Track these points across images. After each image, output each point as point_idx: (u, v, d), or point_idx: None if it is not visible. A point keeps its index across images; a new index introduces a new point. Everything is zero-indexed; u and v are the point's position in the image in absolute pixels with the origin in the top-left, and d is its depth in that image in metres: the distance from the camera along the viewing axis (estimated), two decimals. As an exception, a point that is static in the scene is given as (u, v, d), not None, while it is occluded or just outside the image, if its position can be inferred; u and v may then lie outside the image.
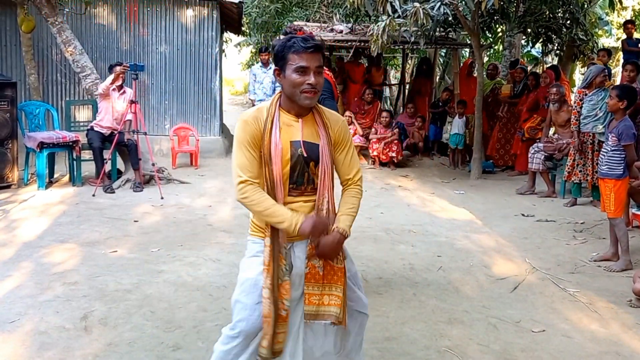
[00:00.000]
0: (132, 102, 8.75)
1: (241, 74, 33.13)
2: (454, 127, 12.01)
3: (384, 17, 8.67)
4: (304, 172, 2.84)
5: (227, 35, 20.89)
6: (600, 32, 16.91)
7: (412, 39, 10.13)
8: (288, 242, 2.85)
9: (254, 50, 24.50)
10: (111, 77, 8.71)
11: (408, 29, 8.87)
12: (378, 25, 8.63)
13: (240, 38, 22.76)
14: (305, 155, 2.82)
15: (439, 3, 8.35)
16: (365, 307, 3.20)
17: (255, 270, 2.83)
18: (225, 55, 19.73)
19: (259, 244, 2.87)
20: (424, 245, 6.57)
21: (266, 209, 2.73)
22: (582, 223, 7.70)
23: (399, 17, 8.66)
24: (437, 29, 11.29)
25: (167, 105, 12.15)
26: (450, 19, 10.70)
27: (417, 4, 8.30)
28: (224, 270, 5.50)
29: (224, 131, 13.23)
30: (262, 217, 2.77)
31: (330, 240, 2.79)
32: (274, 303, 2.77)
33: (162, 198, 8.36)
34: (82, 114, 10.84)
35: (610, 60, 13.52)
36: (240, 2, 12.07)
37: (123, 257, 5.81)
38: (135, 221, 7.21)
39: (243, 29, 17.38)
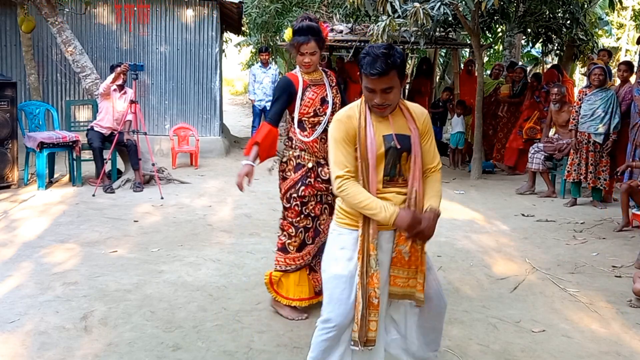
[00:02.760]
0: (132, 102, 8.75)
1: (241, 74, 33.12)
2: (454, 126, 12.01)
3: (384, 17, 8.66)
4: (395, 164, 3.01)
5: (227, 35, 20.90)
6: (600, 32, 16.91)
7: (412, 39, 10.12)
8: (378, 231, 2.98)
9: (253, 50, 24.48)
10: (112, 76, 8.70)
11: (408, 29, 8.86)
12: (378, 26, 8.63)
13: (240, 38, 22.75)
14: (398, 147, 2.98)
15: (439, 3, 8.35)
16: (442, 297, 3.26)
17: (344, 264, 3.02)
18: (225, 55, 19.72)
19: (347, 235, 3.04)
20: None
21: (362, 201, 2.89)
22: (582, 223, 7.70)
23: (399, 17, 8.65)
24: (437, 29, 11.29)
25: (167, 105, 12.16)
26: (450, 19, 10.69)
27: (417, 4, 8.29)
28: (223, 270, 5.49)
29: (224, 131, 13.24)
30: (359, 209, 2.93)
31: (427, 219, 2.91)
32: (366, 292, 2.95)
33: (162, 198, 8.36)
34: (82, 114, 10.86)
35: (611, 61, 13.50)
36: (240, 2, 12.07)
37: (123, 257, 5.81)
38: (135, 221, 7.21)
39: (243, 29, 17.36)
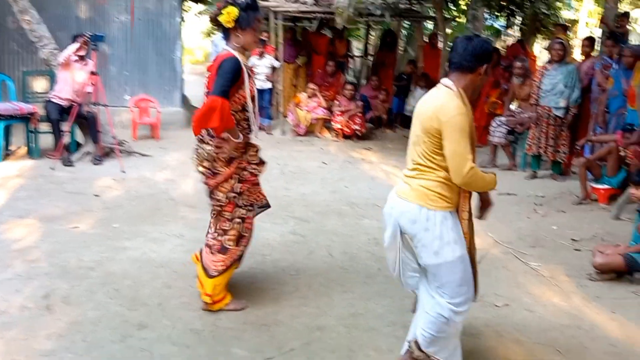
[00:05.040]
0: (92, 73, 8.55)
1: (202, 42, 32.62)
2: (417, 99, 12.02)
3: (350, -11, 8.59)
4: None
5: (188, 3, 20.48)
6: (560, 5, 17.02)
7: (379, 12, 10.07)
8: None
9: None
10: (75, 45, 8.48)
11: (374, 1, 8.81)
12: (343, -2, 8.56)
13: (201, 6, 22.32)
14: None
15: (405, -25, 8.30)
16: None
17: (461, 244, 3.32)
18: (184, 24, 19.36)
19: (450, 216, 3.30)
20: (389, 219, 6.58)
21: (484, 179, 3.30)
22: (542, 196, 7.82)
23: (364, -11, 8.59)
24: (402, 1, 11.24)
25: (127, 76, 11.91)
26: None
27: (382, -24, 8.24)
28: (188, 246, 5.44)
29: (185, 102, 13.06)
30: (482, 187, 3.37)
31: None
32: (473, 259, 3.43)
33: (123, 172, 8.23)
34: (39, 85, 10.56)
35: (569, 34, 13.63)
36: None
37: (85, 233, 5.72)
38: (96, 195, 7.09)
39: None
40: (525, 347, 3.92)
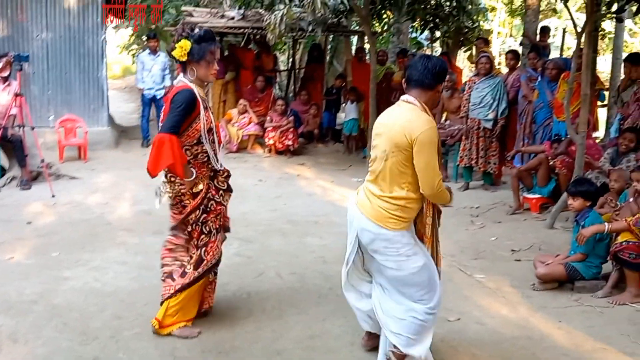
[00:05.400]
0: (16, 95, 8.25)
1: (119, 57, 31.95)
2: (348, 113, 12.14)
3: (281, 7, 8.61)
4: None
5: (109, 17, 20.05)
6: (479, 17, 17.56)
7: (310, 28, 10.14)
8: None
9: (132, 33, 23.50)
10: None
11: (305, 17, 8.86)
12: (275, 15, 8.56)
13: (118, 21, 21.87)
14: None
15: (336, -8, 8.40)
16: None
17: (423, 253, 3.56)
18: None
19: (407, 234, 3.52)
20: (332, 236, 6.61)
21: (446, 193, 3.53)
22: (477, 207, 8.01)
23: (295, 6, 8.62)
24: (330, 16, 11.33)
25: (50, 95, 11.51)
26: (341, 6, 10.77)
27: (314, -7, 8.30)
28: (132, 273, 5.30)
29: (112, 121, 12.76)
30: (444, 200, 3.54)
31: None
32: (438, 261, 3.72)
33: (53, 196, 7.95)
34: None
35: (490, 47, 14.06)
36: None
37: (21, 264, 5.50)
38: (28, 222, 6.83)
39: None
40: (481, 360, 4.00)
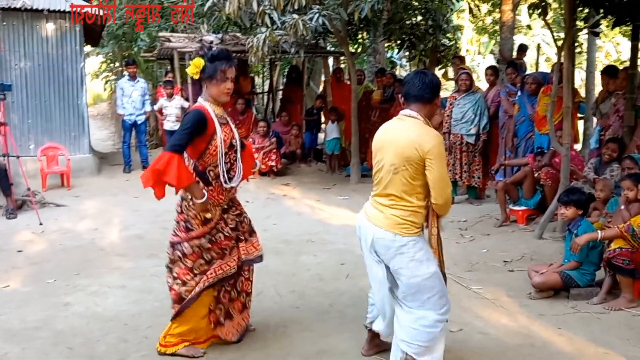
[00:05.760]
0: (0, 123, 8.21)
1: (90, 84, 31.73)
2: (329, 133, 12.23)
3: (263, 29, 8.69)
4: None
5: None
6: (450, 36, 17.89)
7: (293, 49, 10.25)
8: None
9: (104, 60, 23.37)
10: None
11: (287, 40, 8.96)
12: (258, 38, 8.64)
13: (88, 47, 21.82)
14: None
15: (317, 14, 8.50)
16: None
17: (433, 261, 3.65)
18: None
19: (420, 240, 3.65)
20: (325, 254, 6.66)
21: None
22: (464, 221, 8.11)
23: (277, 28, 8.72)
24: (308, 38, 11.45)
25: (30, 124, 11.41)
26: (320, 28, 10.89)
27: (295, 16, 8.40)
28: (132, 297, 5.29)
29: (91, 149, 12.70)
30: (449, 208, 3.66)
31: None
32: (443, 271, 3.78)
33: (41, 224, 7.91)
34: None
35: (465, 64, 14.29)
36: (104, 15, 11.64)
37: (18, 292, 5.46)
38: (19, 251, 6.79)
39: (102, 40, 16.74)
40: (489, 369, 4.06)
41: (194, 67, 3.93)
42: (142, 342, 4.38)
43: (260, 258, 4.40)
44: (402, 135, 3.59)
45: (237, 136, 4.10)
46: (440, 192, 3.53)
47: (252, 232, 4.39)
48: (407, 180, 3.55)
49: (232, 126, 4.10)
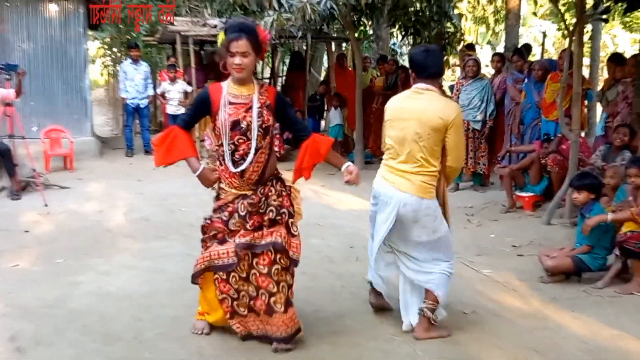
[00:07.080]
0: (7, 104, 8.16)
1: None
2: (332, 119, 12.21)
3: (271, 13, 8.64)
4: None
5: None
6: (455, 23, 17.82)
7: (300, 34, 10.19)
8: None
9: (101, 45, 23.06)
10: None
11: (294, 23, 8.90)
12: (265, 21, 8.58)
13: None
14: None
15: (325, -1, 8.45)
16: None
17: (445, 220, 4.16)
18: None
19: (437, 202, 4.07)
20: (335, 237, 6.67)
21: None
22: (471, 207, 8.12)
23: (285, 12, 8.66)
24: (314, 23, 11.40)
25: (33, 106, 11.35)
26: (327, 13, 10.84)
27: (303, 0, 8.35)
28: (144, 277, 5.27)
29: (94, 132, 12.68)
30: (459, 171, 4.51)
31: None
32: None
33: (46, 205, 7.87)
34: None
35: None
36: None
37: (29, 271, 5.44)
38: (26, 231, 6.76)
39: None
40: (505, 350, 4.05)
41: (219, 41, 3.81)
42: (156, 321, 4.36)
43: (266, 245, 3.95)
44: (426, 106, 3.94)
45: (253, 119, 3.79)
46: (458, 156, 4.01)
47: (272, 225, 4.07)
48: (432, 147, 3.93)
49: (255, 108, 3.81)
